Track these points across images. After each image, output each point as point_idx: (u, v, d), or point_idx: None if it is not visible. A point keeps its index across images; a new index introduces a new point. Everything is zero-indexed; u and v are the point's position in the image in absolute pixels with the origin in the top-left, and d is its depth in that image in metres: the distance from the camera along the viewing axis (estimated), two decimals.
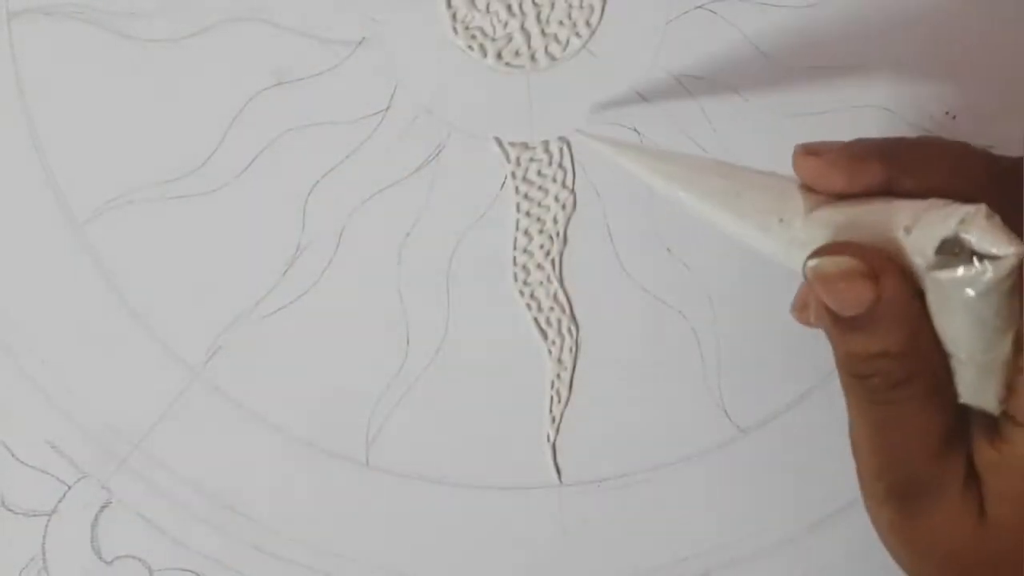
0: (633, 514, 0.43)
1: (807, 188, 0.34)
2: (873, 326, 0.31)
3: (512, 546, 0.43)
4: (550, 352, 0.42)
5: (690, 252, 0.42)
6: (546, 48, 0.42)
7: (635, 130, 0.42)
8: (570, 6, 0.42)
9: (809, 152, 0.34)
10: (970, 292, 0.29)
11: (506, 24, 0.42)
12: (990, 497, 0.31)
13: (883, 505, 0.33)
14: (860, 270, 0.31)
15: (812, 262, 0.32)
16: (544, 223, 0.42)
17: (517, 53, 0.42)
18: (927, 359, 0.31)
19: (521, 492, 0.43)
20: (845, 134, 0.42)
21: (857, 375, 0.32)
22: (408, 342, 0.42)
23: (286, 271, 0.42)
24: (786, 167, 0.42)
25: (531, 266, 0.42)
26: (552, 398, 0.43)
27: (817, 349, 0.42)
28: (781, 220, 0.34)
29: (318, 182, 0.42)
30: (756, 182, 0.35)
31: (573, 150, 0.42)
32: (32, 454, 0.43)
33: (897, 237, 0.31)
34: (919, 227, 0.30)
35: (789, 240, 0.33)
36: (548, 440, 0.43)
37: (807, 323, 0.37)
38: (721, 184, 0.35)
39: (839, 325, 0.32)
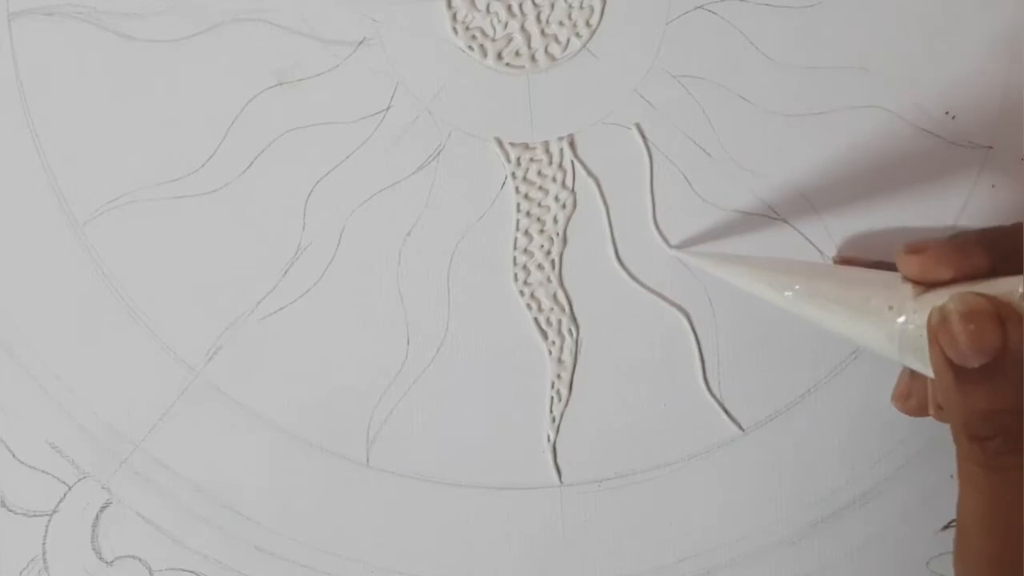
0: (633, 514, 0.43)
1: (910, 280, 0.36)
2: (997, 378, 0.31)
3: (512, 546, 0.43)
4: (550, 352, 0.42)
5: (691, 252, 0.42)
6: (546, 48, 0.42)
7: (636, 129, 0.42)
8: (570, 6, 0.42)
9: (913, 250, 0.36)
10: None
11: (506, 24, 0.42)
12: None
13: None
14: (988, 310, 0.32)
15: (939, 304, 0.33)
16: (544, 223, 0.42)
17: (517, 53, 0.42)
18: None
19: (521, 492, 0.43)
20: (845, 134, 0.42)
21: (977, 436, 0.32)
22: (408, 342, 0.42)
23: (286, 271, 0.42)
24: (785, 167, 0.42)
25: (531, 266, 0.42)
26: (552, 398, 0.43)
27: (817, 349, 0.42)
28: (891, 307, 0.36)
29: (318, 182, 0.42)
30: (859, 278, 0.38)
31: (575, 149, 0.42)
32: (32, 454, 0.43)
33: (1012, 303, 0.32)
34: None
35: (901, 324, 0.35)
36: (548, 440, 0.43)
37: (912, 412, 0.39)
38: (827, 284, 0.38)
39: (961, 379, 0.32)
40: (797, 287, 0.38)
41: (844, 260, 0.40)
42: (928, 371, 0.35)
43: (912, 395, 0.39)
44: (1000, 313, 0.31)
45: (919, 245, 0.36)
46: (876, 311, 0.36)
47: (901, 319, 0.35)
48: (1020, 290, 0.32)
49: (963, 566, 0.34)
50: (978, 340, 0.31)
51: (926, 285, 0.35)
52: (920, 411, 0.39)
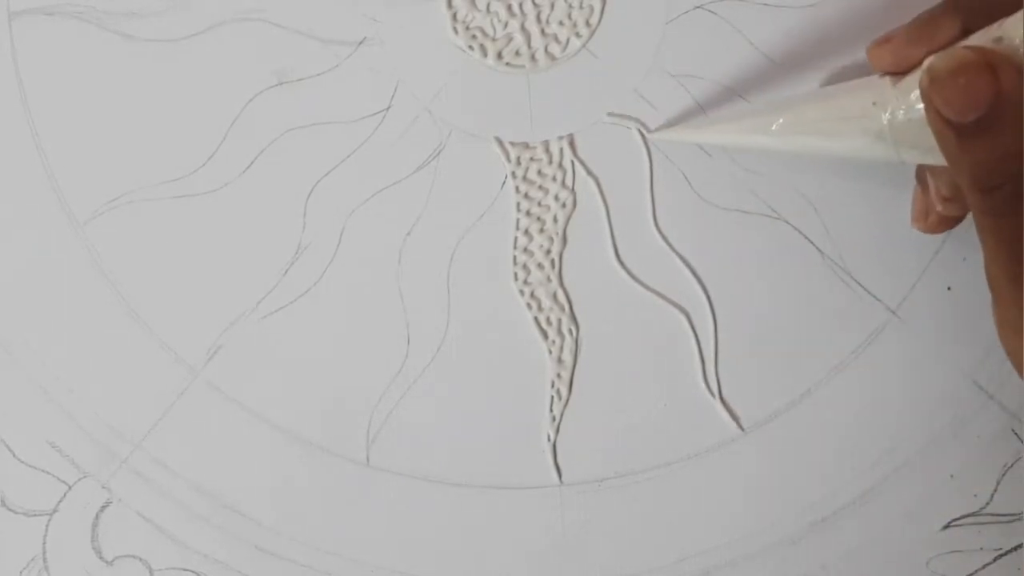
0: (633, 514, 0.43)
1: (887, 73, 0.35)
2: (997, 125, 0.30)
3: (512, 546, 0.43)
4: (550, 352, 0.42)
5: (690, 252, 0.42)
6: (546, 48, 0.42)
7: (636, 129, 0.42)
8: (570, 6, 0.42)
9: (882, 42, 0.35)
10: None
11: (506, 24, 0.42)
12: None
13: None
14: (976, 61, 0.31)
15: (927, 63, 0.32)
16: (544, 223, 0.42)
17: (517, 53, 0.42)
18: None
19: (521, 492, 0.43)
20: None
21: (987, 188, 0.32)
22: (408, 342, 0.42)
23: (286, 271, 0.42)
24: (785, 167, 0.42)
25: (531, 266, 0.42)
26: (552, 398, 0.43)
27: (817, 349, 0.42)
28: (875, 103, 0.35)
29: (318, 182, 0.42)
30: (836, 90, 0.37)
31: (575, 148, 0.42)
32: (32, 454, 0.43)
33: (997, 50, 0.31)
34: (1008, 30, 0.31)
35: (889, 117, 0.35)
36: (548, 440, 0.43)
37: (932, 229, 0.39)
38: (808, 107, 0.37)
39: (962, 135, 0.31)
40: (781, 120, 0.38)
41: (881, 41, 0.38)
42: (928, 157, 0.34)
43: (930, 211, 0.39)
44: (988, 61, 0.31)
45: (886, 35, 0.35)
46: (861, 113, 0.35)
47: (887, 113, 0.35)
48: (997, 34, 0.31)
49: (1004, 328, 0.34)
50: (971, 92, 0.31)
51: (903, 73, 0.35)
52: (941, 226, 0.39)
